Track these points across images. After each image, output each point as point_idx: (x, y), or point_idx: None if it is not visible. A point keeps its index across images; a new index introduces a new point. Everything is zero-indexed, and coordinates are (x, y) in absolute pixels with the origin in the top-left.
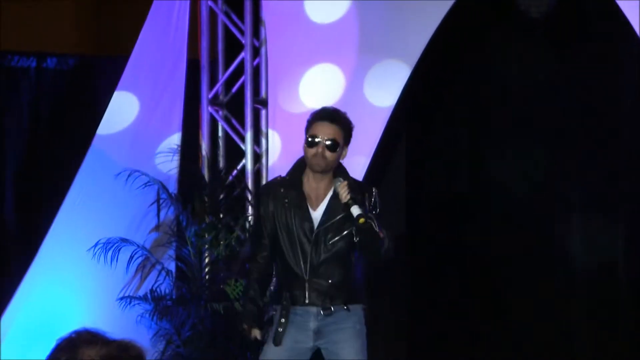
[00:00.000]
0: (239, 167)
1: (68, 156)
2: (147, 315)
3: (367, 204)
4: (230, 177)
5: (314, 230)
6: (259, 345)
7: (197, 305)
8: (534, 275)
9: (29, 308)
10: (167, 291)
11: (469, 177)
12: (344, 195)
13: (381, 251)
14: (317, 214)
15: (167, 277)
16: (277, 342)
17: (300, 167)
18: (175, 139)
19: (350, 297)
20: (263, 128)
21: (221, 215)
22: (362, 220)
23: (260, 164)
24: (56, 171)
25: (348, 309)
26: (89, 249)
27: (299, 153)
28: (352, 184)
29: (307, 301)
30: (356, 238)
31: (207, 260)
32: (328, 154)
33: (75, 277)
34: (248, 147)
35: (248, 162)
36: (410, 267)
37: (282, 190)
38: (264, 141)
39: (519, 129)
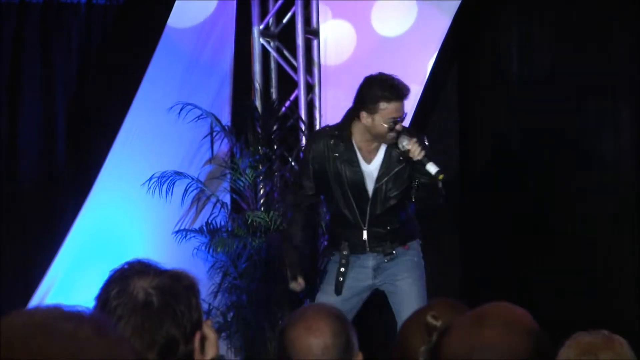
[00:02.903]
0: (291, 98)
1: (120, 91)
2: (203, 247)
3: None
4: (283, 109)
5: (365, 184)
6: (304, 291)
7: (253, 236)
8: (589, 211)
9: (85, 243)
10: (222, 223)
11: (523, 106)
12: (417, 152)
13: (438, 207)
14: (371, 168)
15: (222, 210)
16: (338, 291)
17: (349, 120)
18: (227, 70)
19: (407, 238)
20: (315, 58)
21: (275, 147)
22: (441, 176)
23: (313, 94)
24: (108, 107)
25: (407, 247)
26: (144, 183)
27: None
28: (416, 138)
29: (367, 249)
30: (415, 192)
31: (262, 191)
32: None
33: (130, 212)
34: (301, 77)
35: (301, 92)
36: (463, 200)
37: (332, 142)
38: (316, 71)
39: (573, 63)
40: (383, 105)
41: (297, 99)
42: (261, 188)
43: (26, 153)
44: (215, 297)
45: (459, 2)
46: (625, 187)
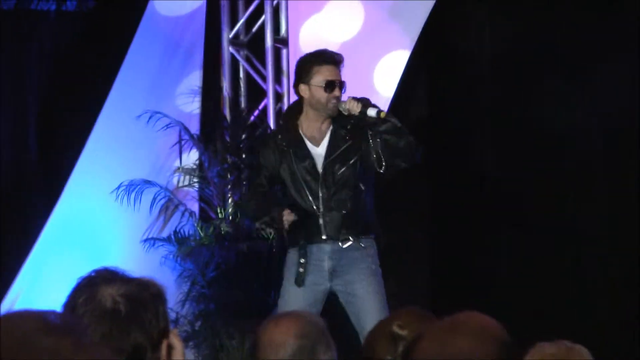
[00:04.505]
0: (260, 107)
1: (90, 98)
2: (171, 256)
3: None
4: (252, 117)
5: (316, 166)
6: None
7: (221, 245)
8: (565, 206)
9: (53, 250)
10: (190, 232)
11: (491, 111)
12: (355, 105)
13: (412, 146)
14: (319, 150)
15: (190, 218)
16: (299, 282)
17: (293, 111)
18: (196, 79)
19: (364, 228)
20: (284, 67)
21: (243, 156)
22: (383, 114)
23: (282, 103)
24: (78, 114)
25: (361, 245)
26: (112, 191)
27: None
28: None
29: (323, 236)
30: (379, 157)
31: (230, 200)
32: (341, 96)
33: (99, 220)
34: (269, 86)
35: (270, 101)
36: (431, 195)
37: (279, 137)
38: (285, 80)
39: (545, 58)
40: (315, 69)
41: (266, 108)
42: (229, 197)
43: None
44: (183, 306)
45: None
46: (595, 175)
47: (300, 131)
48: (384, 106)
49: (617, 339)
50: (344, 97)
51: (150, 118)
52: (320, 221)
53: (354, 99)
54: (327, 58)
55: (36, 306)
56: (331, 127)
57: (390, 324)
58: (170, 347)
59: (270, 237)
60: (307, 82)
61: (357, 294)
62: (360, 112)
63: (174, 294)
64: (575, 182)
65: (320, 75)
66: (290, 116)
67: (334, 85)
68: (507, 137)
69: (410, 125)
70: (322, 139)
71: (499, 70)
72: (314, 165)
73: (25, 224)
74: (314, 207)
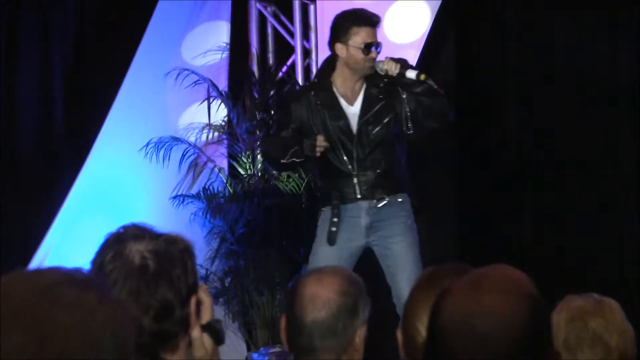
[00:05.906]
0: (288, 63)
1: (117, 55)
2: (201, 213)
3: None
4: (280, 73)
5: (350, 126)
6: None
7: (250, 202)
8: (592, 164)
9: (82, 207)
10: (219, 189)
11: (519, 70)
12: (394, 66)
13: (445, 108)
14: (354, 109)
15: (219, 175)
16: (331, 241)
17: (327, 68)
18: (223, 30)
19: (398, 186)
20: (312, 23)
21: (272, 112)
22: (423, 76)
23: (310, 59)
24: (105, 70)
25: (398, 200)
26: (141, 149)
27: None
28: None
29: (358, 196)
30: (410, 118)
31: (259, 156)
32: (377, 57)
33: (127, 177)
34: (297, 42)
35: (298, 57)
36: (459, 159)
37: (312, 94)
38: (313, 36)
39: (573, 18)
40: (354, 30)
41: (294, 64)
42: (258, 153)
43: (24, 118)
44: (212, 262)
45: None
46: (623, 134)
47: (334, 89)
48: (390, 53)
49: None
50: (381, 57)
51: (178, 75)
52: (355, 180)
53: (392, 59)
54: (367, 20)
55: (68, 259)
56: (364, 86)
57: (432, 299)
58: (199, 303)
59: (300, 191)
60: (345, 42)
61: (393, 249)
62: (398, 74)
63: (203, 251)
64: (604, 139)
65: (359, 37)
66: (324, 74)
67: (373, 48)
68: (536, 94)
69: (437, 83)
70: (355, 98)
71: (528, 26)
72: (348, 125)
73: (54, 183)
74: (349, 167)
